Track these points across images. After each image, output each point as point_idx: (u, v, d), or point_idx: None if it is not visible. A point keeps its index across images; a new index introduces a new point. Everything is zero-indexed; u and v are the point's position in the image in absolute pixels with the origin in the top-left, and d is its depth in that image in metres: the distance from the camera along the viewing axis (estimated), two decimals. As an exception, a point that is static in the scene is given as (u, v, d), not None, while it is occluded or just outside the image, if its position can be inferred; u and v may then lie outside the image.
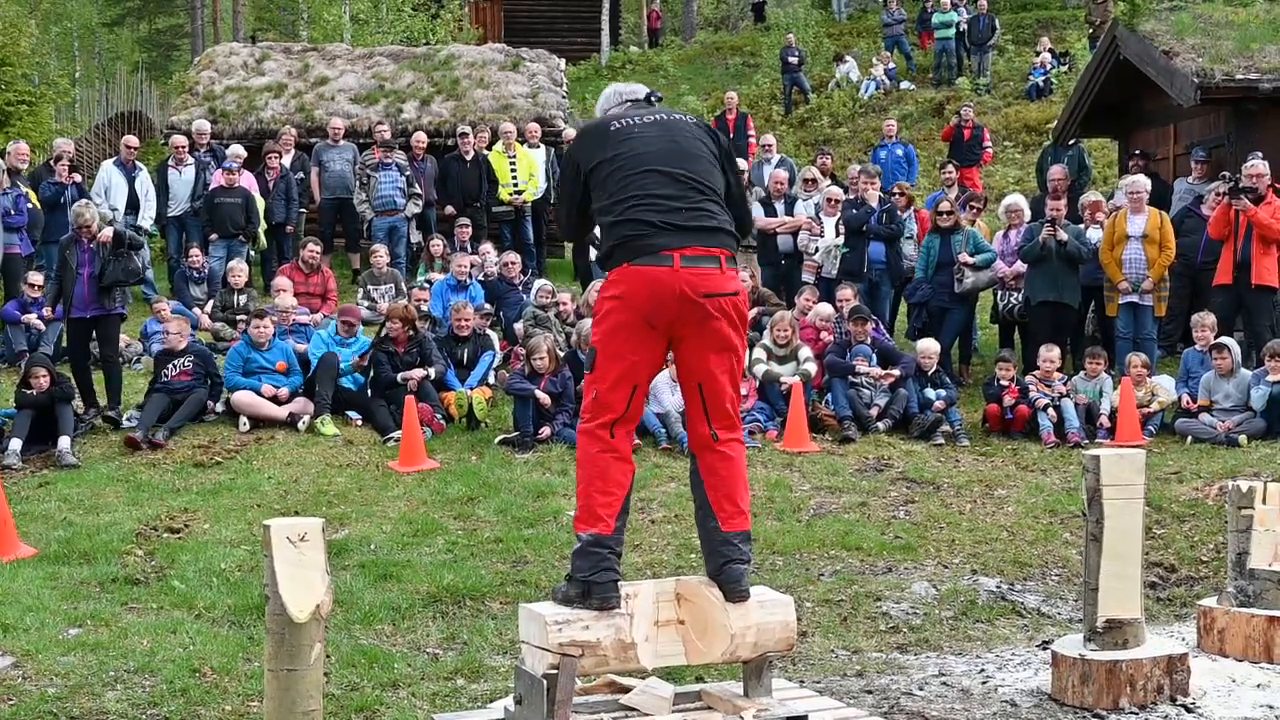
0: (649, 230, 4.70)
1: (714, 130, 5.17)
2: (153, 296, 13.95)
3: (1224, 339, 11.28)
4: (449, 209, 16.69)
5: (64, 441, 10.28)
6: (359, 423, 11.32)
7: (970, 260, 12.62)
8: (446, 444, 10.92)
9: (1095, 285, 12.51)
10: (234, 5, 38.76)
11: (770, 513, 9.17)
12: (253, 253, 15.97)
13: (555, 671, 4.53)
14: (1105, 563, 5.73)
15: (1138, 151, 15.46)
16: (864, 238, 13.33)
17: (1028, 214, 13.14)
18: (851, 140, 25.72)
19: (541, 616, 4.60)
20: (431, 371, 11.45)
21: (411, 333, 11.62)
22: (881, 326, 12.46)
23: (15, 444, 10.22)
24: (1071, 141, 16.42)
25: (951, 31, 27.48)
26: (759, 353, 11.61)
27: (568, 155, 5.08)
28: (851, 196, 14.01)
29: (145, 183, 15.46)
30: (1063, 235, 12.05)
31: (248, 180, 15.81)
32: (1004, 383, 11.51)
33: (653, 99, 5.15)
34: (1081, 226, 12.67)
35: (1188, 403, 11.20)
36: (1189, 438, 10.91)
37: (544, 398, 10.83)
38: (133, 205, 15.24)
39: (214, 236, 15.34)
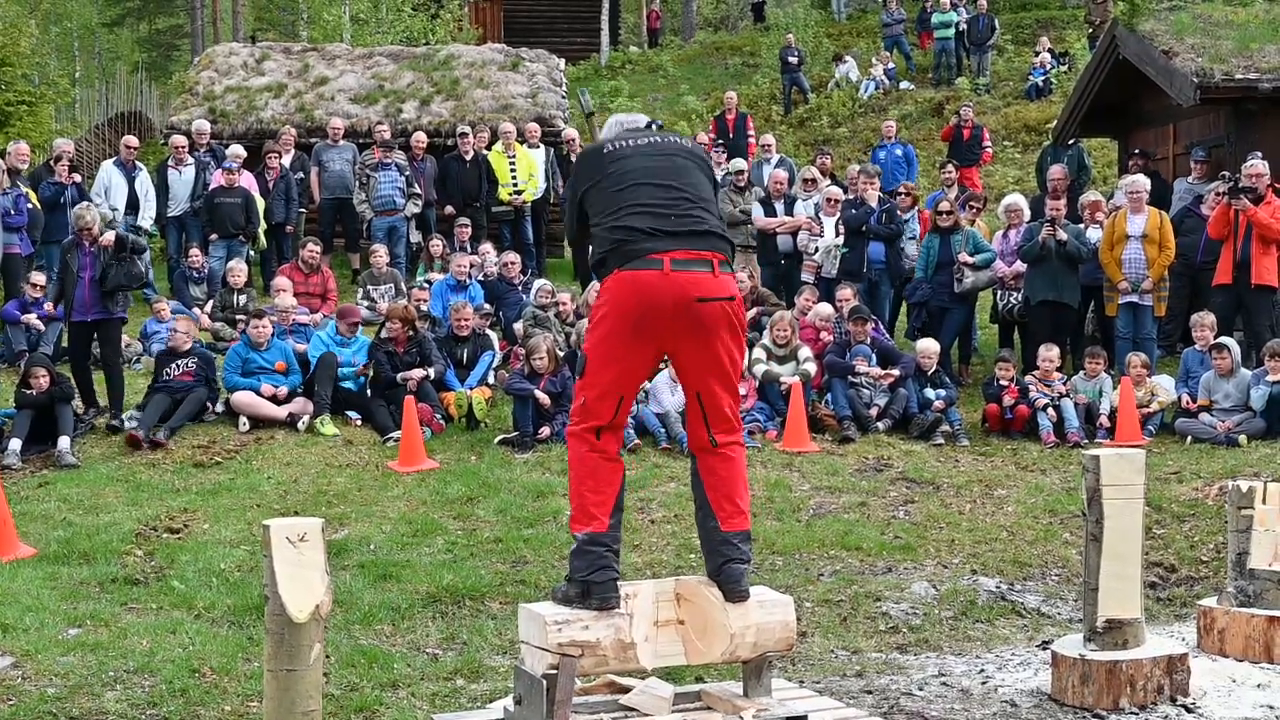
0: (638, 235, 4.70)
1: (707, 156, 5.21)
2: (152, 297, 13.94)
3: (1224, 339, 11.28)
4: (448, 209, 16.69)
5: (64, 441, 10.28)
6: (358, 423, 11.32)
7: (970, 260, 12.62)
8: (446, 444, 10.92)
9: (1095, 285, 12.50)
10: (234, 5, 38.76)
11: (770, 513, 9.17)
12: (252, 253, 15.96)
13: (555, 672, 4.53)
14: (1105, 563, 5.73)
15: (1137, 151, 15.46)
16: (863, 238, 13.32)
17: (1027, 214, 13.14)
18: (851, 140, 25.72)
19: (541, 616, 4.60)
20: (431, 371, 11.45)
21: (411, 333, 11.62)
22: (881, 326, 12.46)
23: (15, 444, 10.21)
24: (1071, 141, 16.41)
25: (951, 31, 27.47)
26: (759, 353, 11.61)
27: (569, 182, 5.10)
28: (851, 196, 14.01)
29: (145, 183, 15.46)
30: (1062, 235, 12.05)
31: (247, 180, 15.80)
32: (1004, 383, 11.51)
33: (652, 126, 5.18)
34: (1081, 226, 12.67)
35: (1187, 403, 11.20)
36: (1189, 438, 10.91)
37: (543, 398, 10.83)
38: (132, 205, 15.24)
39: (214, 236, 15.34)
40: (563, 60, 22.26)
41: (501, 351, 12.58)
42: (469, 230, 15.76)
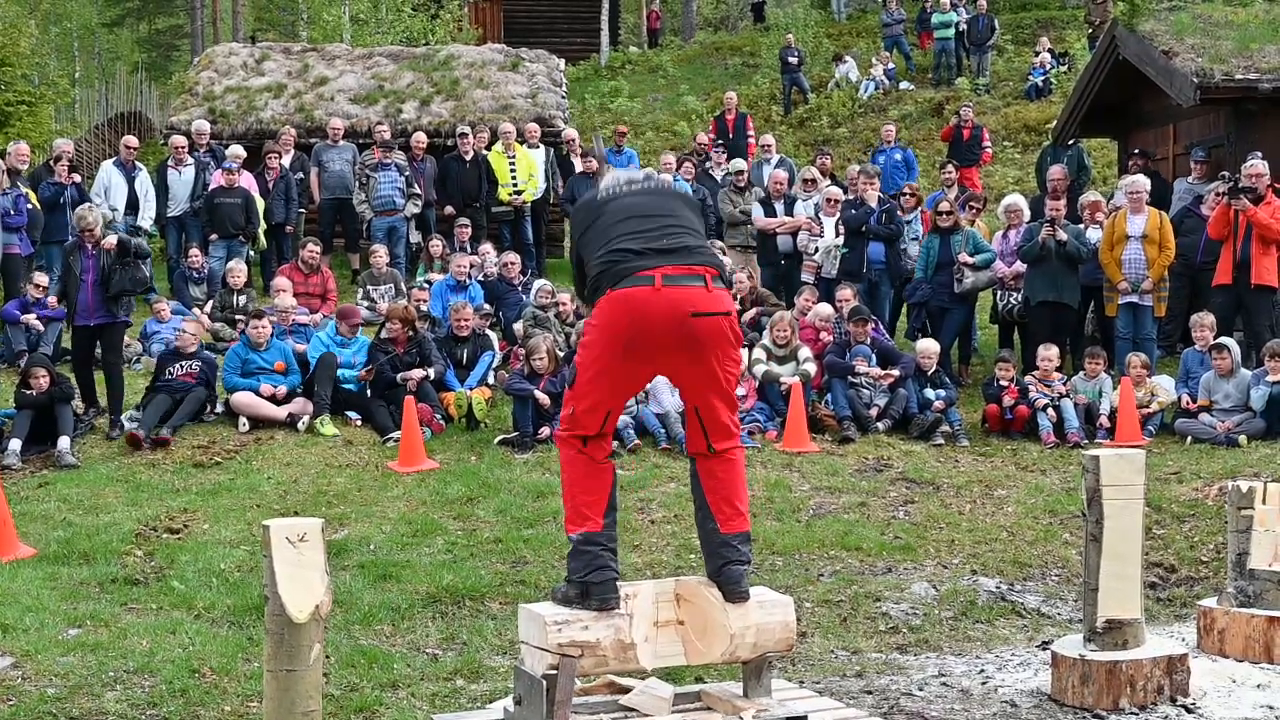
0: (629, 256, 4.71)
1: (695, 198, 5.24)
2: (152, 297, 13.93)
3: (1223, 339, 11.27)
4: (448, 209, 16.68)
5: (63, 442, 10.27)
6: (358, 423, 11.31)
7: (970, 260, 12.62)
8: (446, 444, 10.92)
9: (1095, 285, 12.50)
10: (233, 5, 38.75)
11: (770, 513, 9.17)
12: (252, 253, 15.96)
13: (555, 672, 4.53)
14: (1105, 563, 5.73)
15: (1136, 151, 15.46)
16: (863, 238, 13.32)
17: (1027, 214, 13.14)
18: (851, 140, 25.72)
19: (541, 617, 4.60)
20: (431, 372, 11.45)
21: (411, 333, 11.62)
22: (881, 327, 12.46)
23: (15, 444, 10.21)
24: (1071, 141, 16.41)
25: (951, 31, 27.47)
26: (759, 353, 11.61)
27: (571, 236, 5.13)
28: (851, 197, 14.01)
29: (145, 183, 15.45)
30: (1062, 235, 12.05)
31: (247, 180, 15.80)
32: (1003, 383, 11.51)
33: (650, 179, 5.22)
34: (1081, 226, 12.66)
35: (1187, 403, 11.20)
36: (1189, 438, 10.91)
37: (543, 398, 10.82)
38: (132, 205, 15.23)
39: (214, 237, 15.34)
40: (562, 60, 22.25)
41: (501, 352, 12.58)
42: (469, 230, 15.75)
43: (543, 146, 17.47)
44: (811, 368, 11.58)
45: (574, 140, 17.92)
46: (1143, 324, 12.12)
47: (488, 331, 12.71)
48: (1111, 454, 5.84)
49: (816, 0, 37.74)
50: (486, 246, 15.56)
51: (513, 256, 14.66)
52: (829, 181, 15.33)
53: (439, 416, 11.27)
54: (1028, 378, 11.64)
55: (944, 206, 13.01)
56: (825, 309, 12.33)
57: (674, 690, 4.93)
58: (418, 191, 16.39)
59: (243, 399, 11.17)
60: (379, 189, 16.09)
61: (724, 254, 14.03)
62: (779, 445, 10.82)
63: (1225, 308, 11.99)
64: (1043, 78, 26.02)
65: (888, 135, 18.31)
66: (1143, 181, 12.61)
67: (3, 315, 12.92)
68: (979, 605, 7.62)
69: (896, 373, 11.53)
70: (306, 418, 11.07)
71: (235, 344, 11.79)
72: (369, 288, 14.77)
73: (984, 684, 6.11)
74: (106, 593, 7.64)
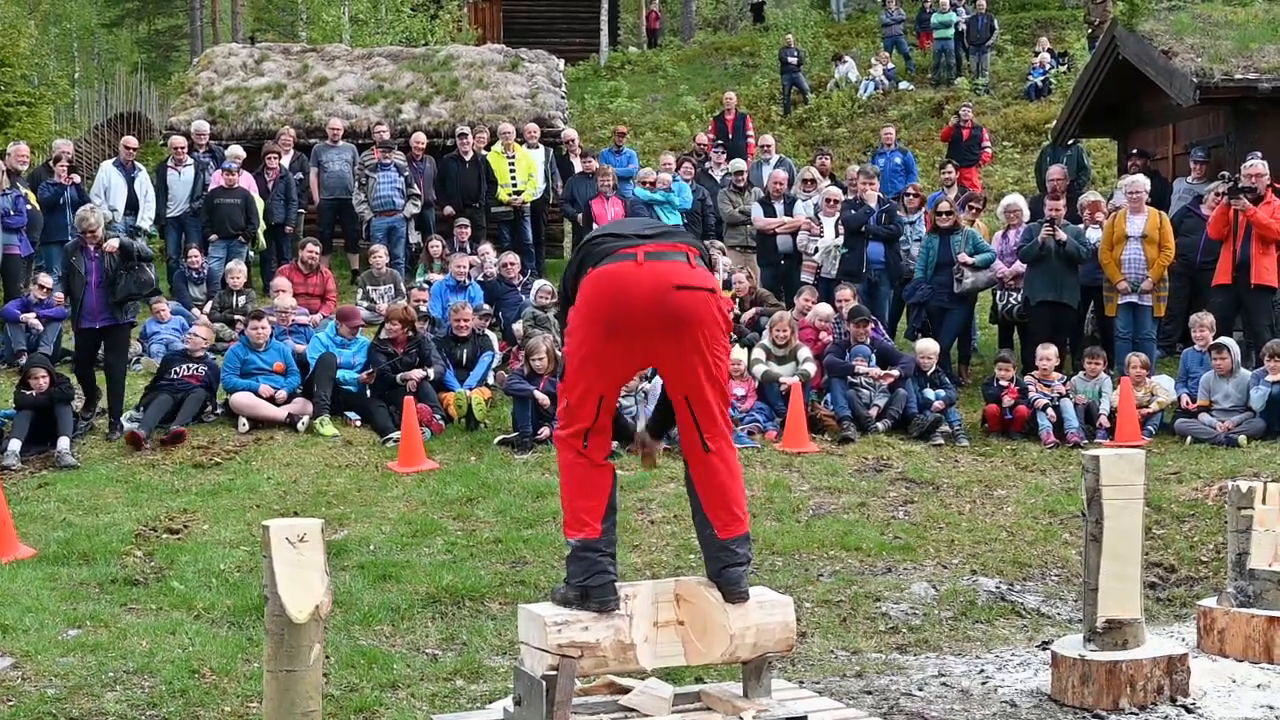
0: (610, 239, 4.73)
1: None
2: (153, 298, 13.93)
3: (1223, 339, 11.27)
4: (448, 209, 16.68)
5: (63, 442, 10.27)
6: (358, 423, 11.31)
7: (969, 260, 12.61)
8: (445, 444, 10.91)
9: (1094, 285, 12.50)
10: (233, 6, 38.76)
11: (769, 513, 9.17)
12: (252, 253, 15.96)
13: (554, 672, 4.53)
14: (1105, 563, 5.73)
15: (1136, 151, 15.46)
16: (863, 238, 13.32)
17: (1027, 214, 13.14)
18: (850, 140, 25.72)
19: (540, 617, 4.60)
20: (430, 372, 11.45)
21: (410, 333, 11.61)
22: (881, 327, 12.46)
23: (14, 445, 10.20)
24: (1070, 141, 16.41)
25: (950, 31, 27.48)
26: (758, 353, 11.61)
27: (563, 276, 5.10)
28: (850, 197, 14.01)
29: (144, 183, 15.45)
30: (1062, 235, 12.05)
31: (247, 181, 15.80)
32: (1003, 383, 11.51)
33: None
34: (1081, 226, 12.66)
35: (1187, 403, 11.20)
36: (1188, 438, 10.91)
37: (543, 398, 10.81)
38: (132, 206, 15.23)
39: (213, 237, 15.34)
40: (562, 61, 22.26)
41: (501, 352, 12.58)
42: (468, 231, 15.75)
43: (542, 147, 17.47)
44: (811, 368, 11.58)
45: (574, 140, 17.93)
46: (1142, 324, 12.12)
47: (487, 332, 12.71)
48: (1111, 454, 5.84)
49: (816, 0, 37.74)
50: (486, 247, 15.56)
51: (512, 257, 14.67)
52: (828, 182, 15.33)
53: (439, 417, 11.27)
54: (1027, 378, 11.64)
55: (944, 206, 13.01)
56: (825, 309, 12.33)
57: (674, 690, 4.93)
58: (417, 192, 16.39)
59: (242, 399, 11.17)
60: (378, 189, 16.09)
61: (724, 254, 14.05)
62: (778, 445, 10.82)
63: (1225, 308, 11.99)
64: (1042, 78, 26.02)
65: (888, 138, 18.30)
66: (1142, 181, 12.61)
67: (3, 314, 12.92)
68: (979, 605, 7.62)
69: (896, 373, 11.53)
70: (306, 418, 11.07)
71: (235, 344, 11.79)
72: (368, 288, 14.77)
73: (984, 684, 6.11)
74: (106, 593, 7.64)
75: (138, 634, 6.83)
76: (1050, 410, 11.20)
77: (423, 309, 13.01)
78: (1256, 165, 12.21)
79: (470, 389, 11.56)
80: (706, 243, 12.64)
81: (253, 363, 11.38)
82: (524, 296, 13.86)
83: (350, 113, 19.23)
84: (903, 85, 28.11)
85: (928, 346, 11.94)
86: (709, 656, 4.79)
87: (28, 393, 10.39)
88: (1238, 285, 11.90)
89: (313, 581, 4.26)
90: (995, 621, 7.40)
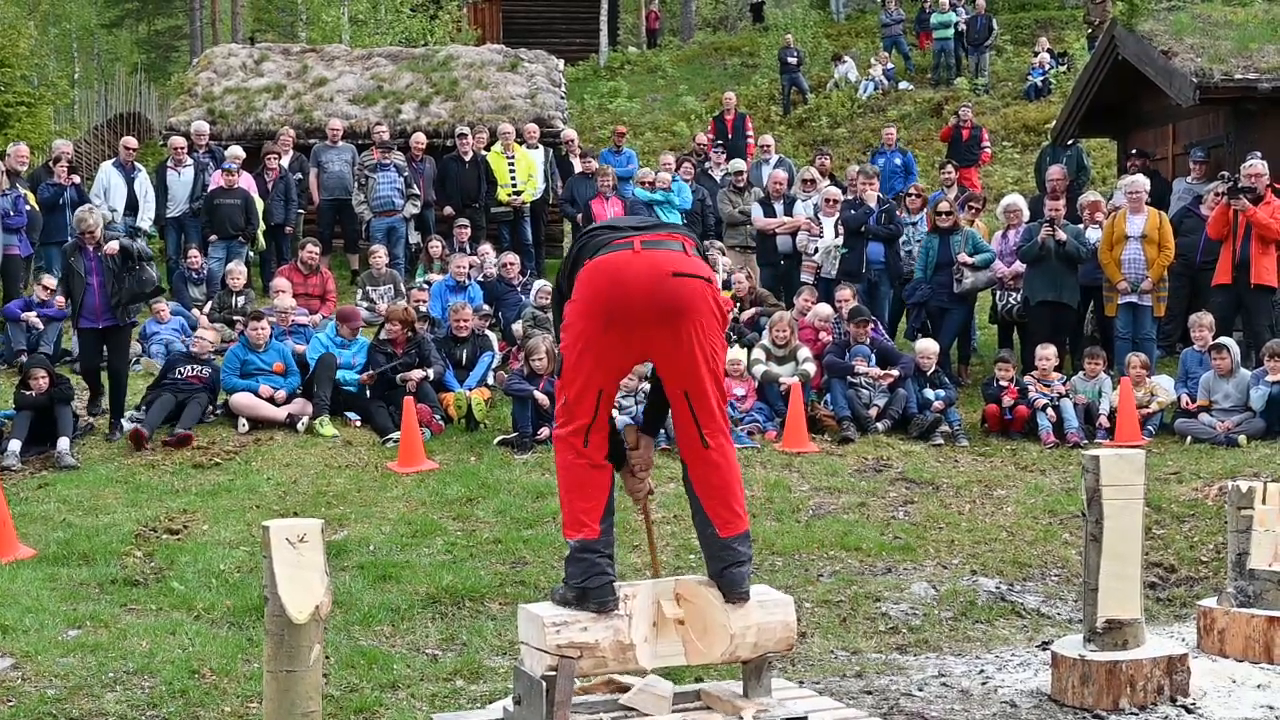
0: (605, 232, 4.73)
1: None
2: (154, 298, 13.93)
3: (1223, 339, 11.27)
4: (448, 210, 16.68)
5: (63, 443, 10.26)
6: (358, 424, 11.31)
7: (969, 260, 12.61)
8: (445, 445, 10.91)
9: (1094, 285, 12.51)
10: (233, 6, 38.75)
11: (769, 513, 9.17)
12: (251, 254, 15.97)
13: (554, 673, 4.53)
14: (1105, 563, 5.73)
15: (1135, 151, 15.47)
16: (863, 238, 13.33)
17: (1026, 214, 13.14)
18: (850, 140, 25.72)
19: (540, 618, 4.60)
20: (430, 372, 11.45)
21: (410, 334, 11.61)
22: (880, 327, 12.46)
23: (14, 445, 10.20)
24: (1070, 141, 16.41)
25: (950, 32, 27.48)
26: (758, 353, 11.62)
27: (555, 284, 5.08)
28: (850, 197, 14.01)
29: (144, 184, 15.45)
30: (1061, 235, 12.05)
31: (247, 181, 15.80)
32: (1003, 383, 11.51)
33: None
34: (1080, 226, 12.66)
35: (1187, 403, 11.20)
36: (1188, 438, 10.91)
37: (543, 398, 10.81)
38: (131, 206, 15.24)
39: (213, 238, 15.34)
40: (561, 61, 22.26)
41: (501, 352, 12.58)
42: (468, 231, 15.75)
43: (542, 147, 17.47)
44: (811, 368, 11.58)
45: (573, 140, 17.93)
46: (1142, 324, 12.12)
47: (487, 332, 12.71)
48: (1111, 454, 5.84)
49: (815, 0, 37.74)
50: (486, 247, 15.56)
51: (512, 257, 14.67)
52: (828, 182, 15.33)
53: (438, 417, 11.27)
54: (1027, 378, 11.64)
55: (943, 206, 13.01)
56: (825, 309, 12.33)
57: (674, 688, 4.92)
58: (417, 192, 16.39)
59: (242, 400, 11.17)
60: (378, 190, 16.10)
61: (724, 254, 14.05)
62: (778, 445, 10.82)
63: (1225, 308, 12.00)
64: (1042, 78, 26.02)
65: (888, 139, 18.29)
66: (1142, 181, 12.62)
67: (4, 313, 12.92)
68: (979, 605, 7.62)
69: (896, 373, 11.53)
70: (306, 418, 11.07)
71: (234, 345, 11.79)
72: (368, 288, 14.77)
73: (984, 684, 6.11)
74: (106, 593, 7.64)
75: (138, 634, 6.83)
76: (1050, 410, 11.21)
77: (422, 309, 13.01)
78: (1256, 165, 12.21)
79: (470, 389, 11.56)
80: (706, 243, 12.67)
81: (252, 363, 11.38)
82: (524, 297, 13.86)
83: (350, 113, 19.23)
84: (902, 85, 28.11)
85: (927, 346, 11.95)
86: (709, 656, 4.78)
87: (28, 393, 10.38)
88: (1237, 285, 11.91)
89: (313, 582, 4.26)
90: (995, 621, 7.40)
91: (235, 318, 13.59)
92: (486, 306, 13.47)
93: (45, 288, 12.78)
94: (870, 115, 26.63)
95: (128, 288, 10.70)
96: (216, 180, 15.56)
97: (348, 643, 6.76)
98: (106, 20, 48.84)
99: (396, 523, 8.99)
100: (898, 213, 13.58)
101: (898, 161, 17.60)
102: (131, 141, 16.26)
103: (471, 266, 14.23)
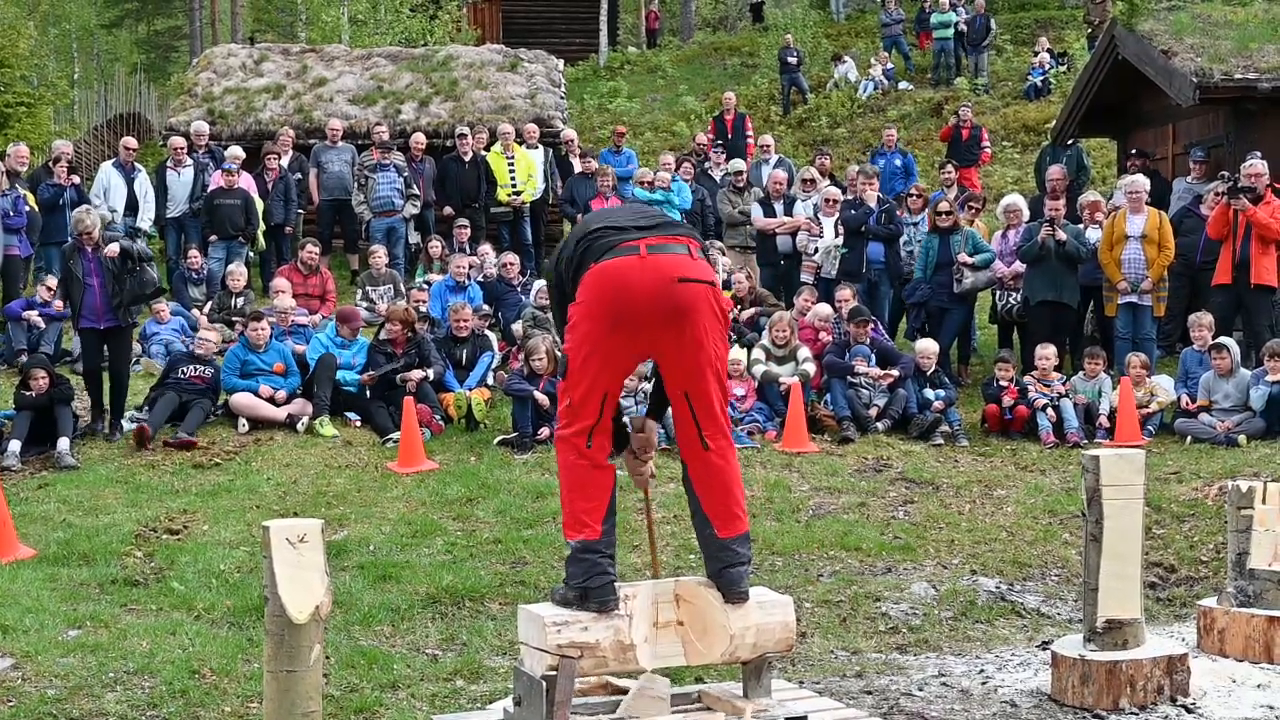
0: (610, 233, 4.71)
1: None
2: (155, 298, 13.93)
3: (1223, 339, 11.27)
4: (447, 210, 16.69)
5: (63, 443, 10.26)
6: (358, 424, 11.31)
7: (969, 260, 12.61)
8: (445, 445, 10.91)
9: (1094, 285, 12.50)
10: (232, 6, 38.74)
11: (769, 513, 9.17)
12: (251, 254, 15.97)
13: (554, 673, 4.53)
14: (1105, 563, 5.73)
15: (1135, 151, 15.47)
16: (863, 238, 13.33)
17: (1026, 214, 13.14)
18: (850, 140, 25.71)
19: (540, 618, 4.60)
20: (430, 372, 11.45)
21: (410, 334, 11.61)
22: (880, 327, 12.46)
23: (14, 445, 10.20)
24: (1070, 141, 16.41)
25: (950, 31, 27.47)
26: (758, 353, 11.62)
27: (551, 270, 5.05)
28: (850, 197, 14.01)
29: (144, 184, 15.46)
30: (1061, 235, 12.05)
31: (246, 181, 15.80)
32: (1003, 383, 11.51)
33: None
34: (1080, 226, 12.66)
35: (1187, 403, 11.20)
36: (1188, 438, 10.91)
37: (542, 398, 10.81)
38: (131, 207, 15.24)
39: (213, 238, 15.34)
40: (561, 61, 22.26)
41: (500, 352, 12.58)
42: (468, 231, 15.75)
43: (541, 147, 17.47)
44: (811, 368, 11.58)
45: (573, 141, 17.93)
46: (1142, 324, 12.12)
47: (487, 332, 12.71)
48: (1111, 454, 5.84)
49: (815, 0, 37.73)
50: (485, 247, 15.56)
51: (512, 257, 14.67)
52: (828, 182, 15.33)
53: (438, 417, 11.27)
54: (1027, 378, 11.64)
55: (943, 206, 13.01)
56: (824, 309, 12.33)
57: (671, 687, 4.91)
58: (416, 192, 16.39)
59: (242, 400, 11.18)
60: (378, 190, 16.10)
61: (723, 254, 14.05)
62: (778, 445, 10.82)
63: (1225, 307, 12.00)
64: (1042, 78, 26.02)
65: (889, 140, 18.28)
66: (1142, 181, 12.62)
67: (5, 312, 12.92)
68: (979, 605, 7.62)
69: (896, 373, 11.53)
70: (306, 418, 11.07)
71: (234, 345, 11.79)
72: (368, 289, 14.77)
73: (984, 684, 6.11)
74: (106, 594, 7.64)
75: (138, 634, 6.83)
76: (1050, 410, 11.21)
77: (422, 309, 13.01)
78: (1256, 165, 12.21)
79: (470, 389, 11.56)
80: (706, 243, 12.64)
81: (253, 363, 11.38)
82: (523, 297, 13.86)
83: (349, 113, 19.24)
84: (902, 85, 28.10)
85: (927, 346, 11.95)
86: (709, 657, 4.78)
87: (27, 393, 10.38)
88: (1237, 285, 11.91)
89: (313, 582, 4.26)
90: (995, 621, 7.40)
91: (235, 318, 13.59)
92: (486, 306, 13.47)
93: (48, 288, 12.78)
94: (870, 115, 26.62)
95: (129, 289, 10.65)
96: (216, 180, 15.56)
97: (348, 643, 6.76)
98: (106, 20, 48.84)
99: (396, 523, 8.99)
100: (899, 213, 13.57)
101: (898, 163, 17.58)
102: (131, 142, 16.27)
103: (471, 267, 14.23)
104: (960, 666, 6.50)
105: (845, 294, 12.44)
